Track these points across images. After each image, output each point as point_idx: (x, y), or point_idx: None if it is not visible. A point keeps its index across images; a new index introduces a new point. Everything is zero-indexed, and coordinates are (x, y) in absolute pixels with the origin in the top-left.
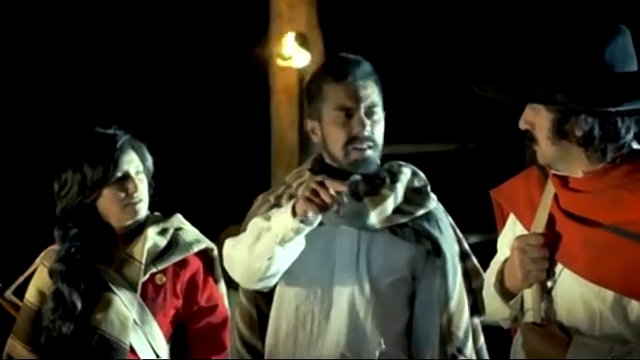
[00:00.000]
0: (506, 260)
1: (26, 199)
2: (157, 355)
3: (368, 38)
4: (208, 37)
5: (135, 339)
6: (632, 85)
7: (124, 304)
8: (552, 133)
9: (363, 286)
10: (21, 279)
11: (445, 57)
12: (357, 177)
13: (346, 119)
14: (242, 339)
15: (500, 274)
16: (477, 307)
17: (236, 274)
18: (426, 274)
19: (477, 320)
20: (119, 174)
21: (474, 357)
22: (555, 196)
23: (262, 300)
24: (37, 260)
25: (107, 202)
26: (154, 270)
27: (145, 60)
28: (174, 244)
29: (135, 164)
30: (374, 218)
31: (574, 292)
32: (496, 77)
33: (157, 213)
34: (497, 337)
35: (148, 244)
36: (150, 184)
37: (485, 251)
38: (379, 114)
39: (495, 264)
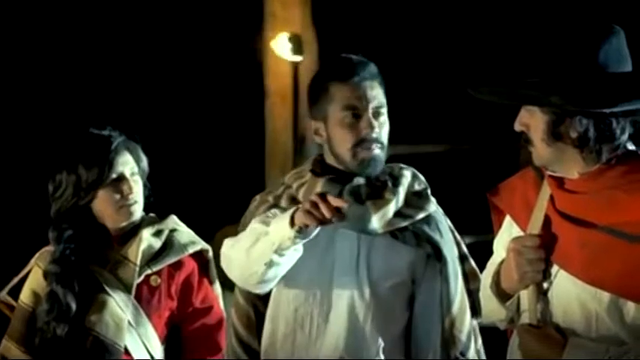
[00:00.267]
0: (502, 262)
1: (21, 200)
2: (152, 357)
3: (362, 39)
4: (202, 38)
5: (129, 340)
6: (627, 85)
7: (119, 305)
8: (547, 135)
9: (362, 290)
10: (15, 280)
11: (439, 58)
12: (361, 180)
13: (354, 120)
14: (239, 339)
15: (497, 275)
16: (474, 309)
17: (234, 276)
18: (426, 278)
19: (475, 322)
20: (114, 175)
21: (476, 358)
22: (551, 198)
23: (260, 300)
24: (32, 261)
25: (102, 204)
26: (148, 271)
27: (139, 61)
28: (169, 245)
29: (130, 166)
30: (375, 222)
31: (570, 294)
32: (491, 79)
33: (151, 214)
34: (493, 339)
35: (143, 246)
36: (145, 185)
37: (479, 252)
38: (385, 115)
39: (491, 265)
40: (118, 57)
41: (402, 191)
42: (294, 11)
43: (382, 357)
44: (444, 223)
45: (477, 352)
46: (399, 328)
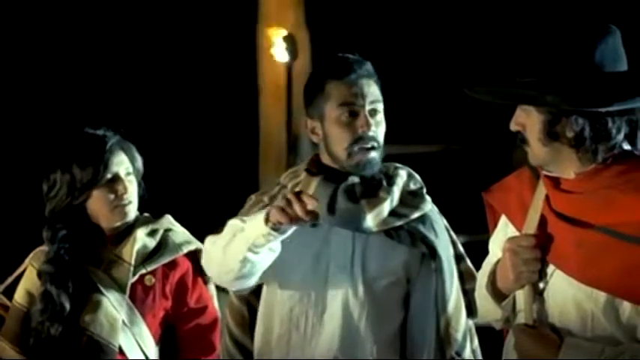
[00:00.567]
0: (497, 261)
1: (15, 200)
2: (146, 357)
3: (355, 39)
4: (196, 38)
5: (124, 340)
6: (623, 85)
7: (113, 305)
8: (543, 135)
9: (357, 288)
10: (9, 280)
11: (431, 58)
12: (355, 179)
13: (350, 119)
14: (233, 338)
15: (492, 275)
16: (470, 308)
17: (212, 272)
18: (421, 277)
19: (470, 322)
20: (109, 175)
21: (472, 358)
22: (547, 197)
23: (254, 299)
24: (26, 261)
25: (96, 204)
26: (143, 271)
27: (134, 62)
28: (163, 245)
29: (125, 166)
30: (370, 221)
31: (566, 294)
32: (487, 79)
33: (146, 214)
34: (489, 339)
35: (138, 245)
36: (139, 185)
37: (472, 252)
38: (382, 114)
39: (487, 265)
40: (112, 58)
41: (396, 190)
42: (287, 12)
43: (375, 357)
44: (440, 222)
45: (473, 351)
46: (394, 328)
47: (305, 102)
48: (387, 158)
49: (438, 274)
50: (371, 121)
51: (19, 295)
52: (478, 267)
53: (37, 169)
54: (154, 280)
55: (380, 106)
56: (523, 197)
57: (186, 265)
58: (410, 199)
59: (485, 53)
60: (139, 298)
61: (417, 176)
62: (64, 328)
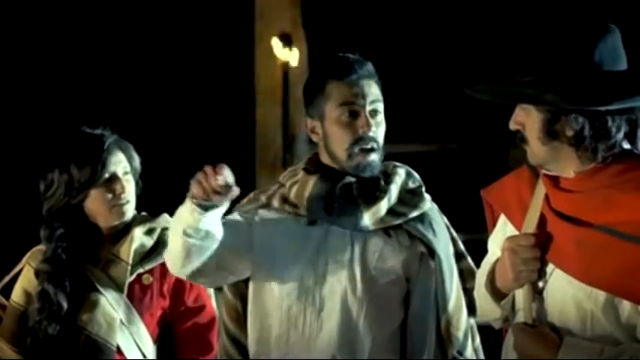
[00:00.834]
0: (497, 260)
1: (13, 199)
2: (144, 356)
3: (351, 38)
4: (192, 38)
5: (122, 339)
6: (622, 83)
7: (111, 304)
8: (543, 134)
9: (355, 287)
10: (7, 279)
11: (428, 57)
12: (352, 178)
13: (351, 119)
14: (229, 335)
15: (491, 274)
16: (471, 307)
17: (168, 264)
18: (420, 276)
19: (472, 320)
20: (106, 175)
21: (474, 357)
22: (546, 197)
23: (247, 291)
24: (23, 260)
25: (94, 203)
26: (140, 270)
27: (130, 62)
28: (161, 244)
29: (122, 165)
30: (367, 220)
31: (565, 293)
32: (485, 78)
33: (143, 213)
34: (488, 338)
35: (135, 244)
36: (137, 184)
37: (468, 251)
38: (382, 115)
39: (486, 264)
40: (109, 58)
41: (394, 189)
42: (284, 11)
43: (374, 357)
44: (439, 220)
45: (475, 350)
46: (394, 327)
47: (305, 101)
48: (384, 157)
49: (438, 274)
50: (371, 121)
51: (17, 295)
52: (476, 266)
53: (35, 169)
54: (151, 279)
55: (380, 107)
56: (522, 196)
57: None
58: (408, 197)
59: (484, 52)
60: (136, 297)
61: (416, 175)
62: (62, 328)
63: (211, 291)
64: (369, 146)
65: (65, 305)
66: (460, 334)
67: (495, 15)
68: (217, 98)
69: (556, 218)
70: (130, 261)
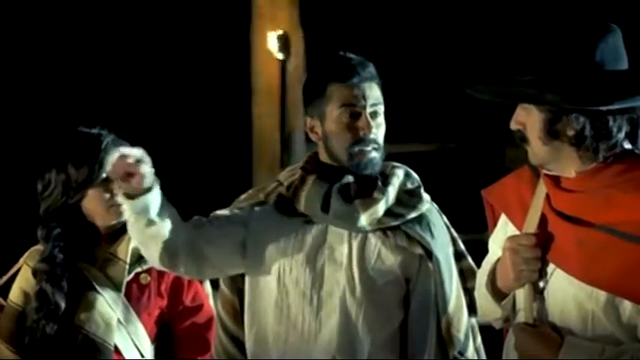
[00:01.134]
0: (497, 260)
1: (10, 199)
2: (142, 355)
3: (349, 38)
4: (190, 37)
5: (119, 339)
6: (623, 83)
7: (108, 303)
8: (544, 133)
9: (354, 288)
10: (4, 279)
11: (427, 57)
12: (350, 178)
13: (351, 120)
14: (226, 330)
15: (492, 274)
16: (473, 306)
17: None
18: (419, 277)
19: (473, 320)
20: (104, 175)
21: (475, 357)
22: (547, 196)
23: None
24: (21, 260)
25: (92, 203)
26: (138, 269)
27: (128, 62)
28: None
29: None
30: (364, 220)
31: (566, 293)
32: (487, 77)
33: None
34: (489, 337)
35: (133, 244)
36: None
37: (467, 251)
38: (382, 116)
39: (487, 264)
40: (106, 58)
41: (391, 190)
42: (281, 11)
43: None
44: (438, 221)
45: (476, 350)
46: (393, 327)
47: (304, 101)
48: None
49: (436, 275)
50: (372, 123)
51: (14, 295)
52: (475, 266)
53: (32, 168)
54: (149, 278)
55: (381, 109)
56: (523, 196)
57: None
58: (407, 198)
59: (484, 52)
60: (134, 296)
61: (415, 175)
62: (59, 327)
63: (209, 290)
64: (369, 148)
65: (63, 305)
66: (461, 335)
67: (495, 15)
68: (215, 97)
69: (557, 218)
70: (128, 260)
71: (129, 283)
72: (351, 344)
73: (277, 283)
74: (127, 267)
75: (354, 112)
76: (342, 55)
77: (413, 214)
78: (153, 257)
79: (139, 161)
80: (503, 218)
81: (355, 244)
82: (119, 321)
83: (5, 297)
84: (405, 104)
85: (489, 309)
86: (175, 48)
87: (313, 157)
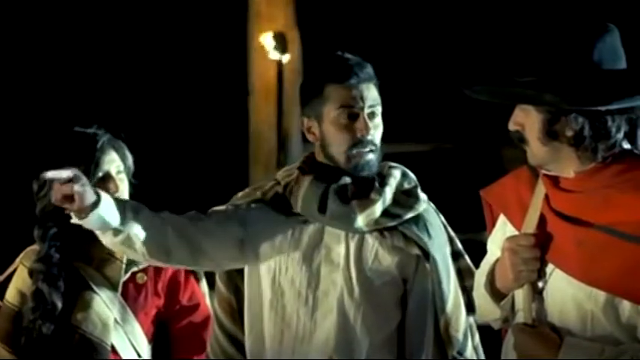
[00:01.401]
0: (496, 261)
1: (5, 199)
2: (139, 355)
3: (345, 37)
4: (187, 37)
5: (116, 338)
6: (622, 83)
7: (105, 303)
8: (543, 134)
9: (352, 289)
10: (1, 279)
11: (423, 57)
12: (347, 179)
13: (349, 121)
14: (222, 328)
15: (491, 274)
16: (471, 305)
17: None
18: (417, 278)
19: (471, 319)
20: (100, 174)
21: (474, 357)
22: (546, 197)
23: (243, 287)
24: (17, 260)
25: None
26: (135, 269)
27: (124, 61)
28: None
29: (116, 164)
30: (361, 221)
31: (565, 293)
32: (484, 78)
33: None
34: (488, 336)
35: None
36: (130, 183)
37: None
38: (380, 117)
39: (485, 264)
40: (102, 57)
41: (388, 191)
42: (278, 10)
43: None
44: (435, 221)
45: (475, 349)
46: (391, 328)
47: (301, 101)
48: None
49: (434, 275)
50: (370, 124)
51: (10, 295)
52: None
53: (28, 168)
54: (145, 277)
55: (378, 109)
56: (522, 196)
57: None
58: (404, 198)
59: (481, 52)
60: (131, 296)
61: (412, 175)
62: (56, 327)
63: (206, 289)
64: (367, 149)
65: (59, 305)
66: (460, 335)
67: (493, 15)
68: (211, 97)
69: (556, 218)
70: (125, 260)
71: (125, 283)
72: (349, 345)
73: (272, 284)
74: (124, 266)
75: (352, 113)
76: (339, 55)
77: (410, 215)
78: (140, 258)
79: (71, 181)
80: (501, 218)
81: (352, 245)
82: (116, 321)
83: (1, 297)
84: (401, 104)
85: (488, 309)
86: (172, 47)
87: (310, 157)
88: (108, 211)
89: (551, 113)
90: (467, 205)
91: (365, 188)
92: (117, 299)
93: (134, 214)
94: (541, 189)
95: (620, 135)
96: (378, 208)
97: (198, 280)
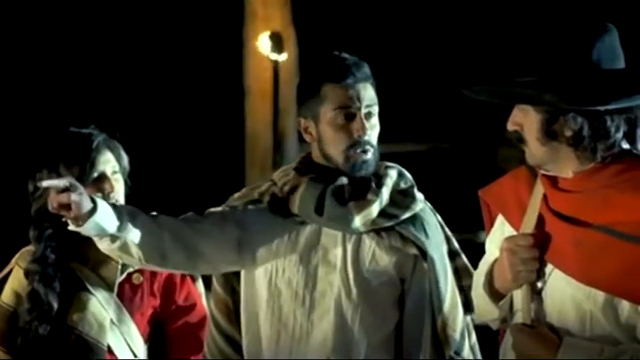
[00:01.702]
0: (495, 261)
1: (1, 199)
2: (135, 355)
3: (342, 37)
4: (183, 37)
5: (112, 339)
6: (621, 83)
7: (101, 304)
8: (541, 134)
9: (349, 290)
10: None
11: (420, 57)
12: (344, 180)
13: (346, 122)
14: (219, 329)
15: (489, 274)
16: (468, 305)
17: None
18: (414, 278)
19: (468, 318)
20: (95, 174)
21: (471, 356)
22: (545, 197)
23: (239, 287)
24: (13, 261)
25: None
26: (130, 269)
27: (120, 62)
28: None
29: (111, 164)
30: (358, 222)
31: (564, 293)
32: (483, 79)
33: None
34: (485, 336)
35: None
36: (126, 183)
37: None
38: (376, 117)
39: (484, 264)
40: (98, 57)
41: (385, 191)
42: (274, 10)
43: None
44: (432, 220)
45: (472, 348)
46: (389, 328)
47: (298, 101)
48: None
49: (431, 275)
50: (366, 124)
51: (6, 295)
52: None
53: (23, 169)
54: (141, 278)
55: (375, 109)
56: (520, 196)
57: None
58: (400, 198)
59: (479, 52)
60: (127, 296)
61: (408, 175)
62: (52, 328)
63: (202, 289)
64: (364, 150)
65: (55, 305)
66: (457, 335)
67: (491, 15)
68: (207, 97)
69: (555, 218)
70: (120, 260)
71: (121, 283)
72: (347, 345)
73: (268, 285)
74: (120, 267)
75: (349, 113)
76: (336, 55)
77: (407, 215)
78: (137, 263)
79: (67, 190)
80: (500, 218)
81: (349, 246)
82: (112, 321)
83: None
84: (398, 104)
85: (487, 310)
86: (168, 48)
87: (307, 157)
88: (105, 217)
89: (550, 113)
90: (463, 205)
91: (362, 189)
92: (113, 300)
93: (131, 220)
94: (539, 189)
95: (619, 135)
96: (375, 209)
97: (194, 280)
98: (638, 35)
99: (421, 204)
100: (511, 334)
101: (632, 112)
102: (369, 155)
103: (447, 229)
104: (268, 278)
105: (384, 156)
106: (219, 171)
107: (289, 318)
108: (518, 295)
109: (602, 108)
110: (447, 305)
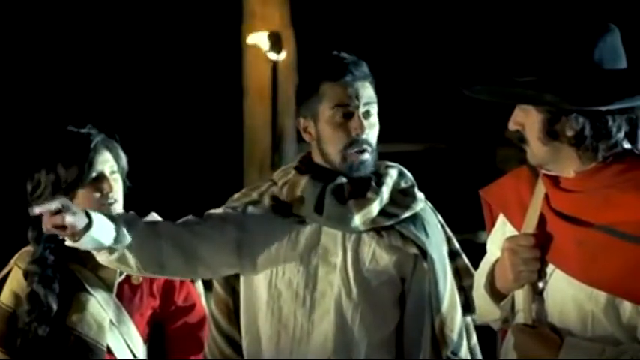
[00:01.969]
0: (496, 261)
1: None
2: (134, 356)
3: (341, 37)
4: (181, 37)
5: (112, 340)
6: (622, 83)
7: (100, 304)
8: (543, 134)
9: (350, 289)
10: None
11: (418, 57)
12: (344, 179)
13: (344, 120)
14: (220, 330)
15: (491, 274)
16: (468, 305)
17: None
18: (414, 277)
19: (468, 319)
20: (94, 174)
21: (469, 357)
22: (546, 196)
23: (239, 286)
24: (12, 262)
25: (82, 203)
26: None
27: (118, 61)
28: None
29: (109, 164)
30: (358, 221)
31: (565, 293)
32: (484, 79)
33: (131, 212)
34: (485, 337)
35: None
36: (124, 183)
37: None
38: (375, 116)
39: (485, 264)
40: (96, 57)
41: (385, 190)
42: (273, 10)
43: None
44: (432, 220)
45: (472, 349)
46: (390, 328)
47: (297, 101)
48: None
49: (431, 275)
50: (365, 123)
51: (5, 296)
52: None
53: (22, 169)
54: (140, 278)
55: (374, 108)
56: (522, 196)
57: None
58: (401, 198)
59: (478, 52)
60: (126, 296)
61: (409, 174)
62: (52, 329)
63: (201, 290)
64: (362, 149)
65: (55, 306)
66: (454, 335)
67: (491, 15)
68: (206, 97)
69: (556, 218)
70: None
71: (120, 284)
72: (347, 345)
73: (268, 285)
74: None
75: (347, 111)
76: (335, 53)
77: (407, 214)
78: (135, 272)
79: (60, 211)
80: (501, 218)
81: (350, 246)
82: (111, 322)
83: None
84: (395, 104)
85: (488, 310)
86: (166, 47)
87: (307, 157)
88: (101, 231)
89: (551, 113)
90: (461, 205)
91: (361, 188)
92: (112, 300)
93: (128, 230)
94: (541, 189)
95: (621, 135)
96: (375, 208)
97: (193, 280)
98: (639, 35)
99: (422, 203)
100: (512, 334)
101: (633, 112)
102: (367, 156)
103: (447, 229)
104: (268, 279)
105: (381, 156)
106: (218, 171)
107: (289, 318)
108: (520, 295)
109: (603, 108)
110: (445, 305)
